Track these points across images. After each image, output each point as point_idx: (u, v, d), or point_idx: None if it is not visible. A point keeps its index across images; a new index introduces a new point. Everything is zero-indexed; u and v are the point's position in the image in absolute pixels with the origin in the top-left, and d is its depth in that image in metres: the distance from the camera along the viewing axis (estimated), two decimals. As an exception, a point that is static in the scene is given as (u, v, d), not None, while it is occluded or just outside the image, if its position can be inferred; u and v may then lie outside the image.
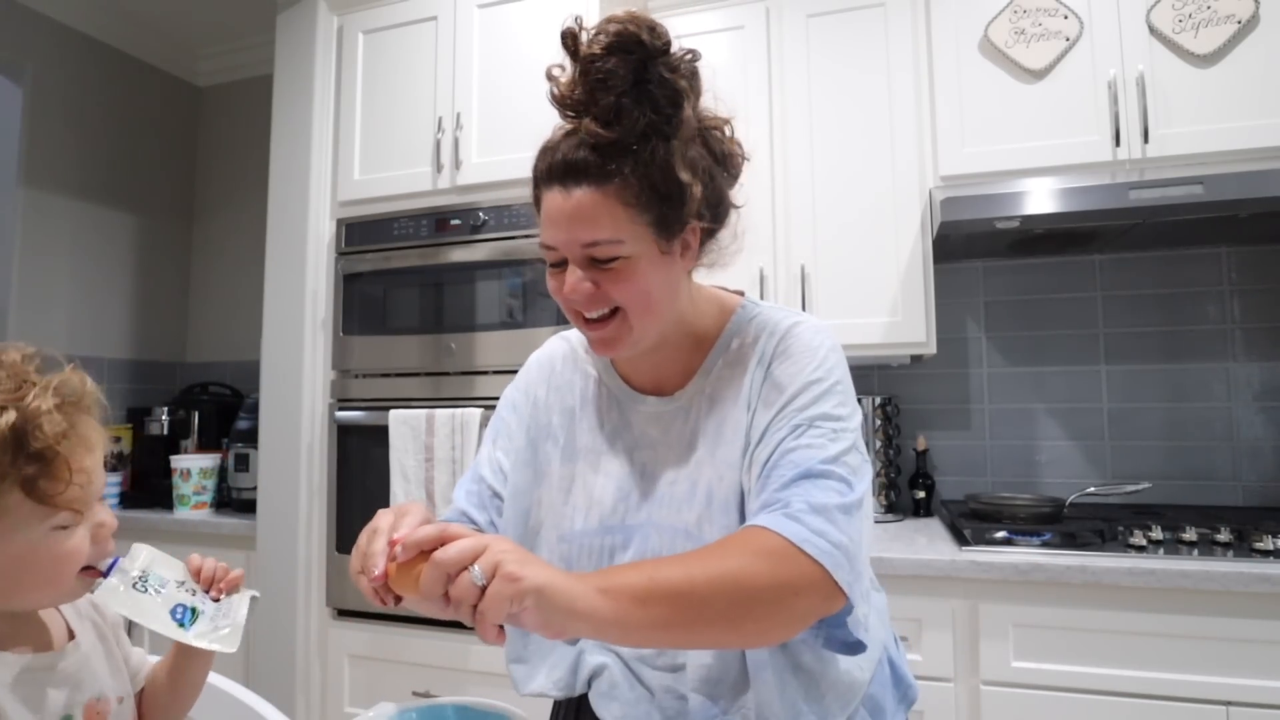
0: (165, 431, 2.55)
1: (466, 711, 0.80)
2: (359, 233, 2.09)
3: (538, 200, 0.79)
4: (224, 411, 2.60)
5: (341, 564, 2.01)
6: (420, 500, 1.87)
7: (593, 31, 0.72)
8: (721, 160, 0.81)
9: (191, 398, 2.65)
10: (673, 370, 0.86)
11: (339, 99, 2.19)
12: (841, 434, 0.75)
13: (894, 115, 1.91)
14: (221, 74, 3.09)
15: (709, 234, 0.83)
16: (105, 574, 0.69)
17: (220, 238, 3.02)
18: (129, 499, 2.49)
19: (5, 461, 0.59)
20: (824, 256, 1.94)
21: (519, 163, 1.93)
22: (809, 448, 0.73)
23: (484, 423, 1.84)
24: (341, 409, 2.05)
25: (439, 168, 2.04)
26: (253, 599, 0.77)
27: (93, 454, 0.66)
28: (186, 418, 2.57)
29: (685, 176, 0.74)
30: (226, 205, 3.02)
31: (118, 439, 2.54)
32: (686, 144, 0.75)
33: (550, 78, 0.77)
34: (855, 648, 0.73)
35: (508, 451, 0.92)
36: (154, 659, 0.83)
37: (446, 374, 1.96)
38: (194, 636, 0.70)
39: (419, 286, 2.02)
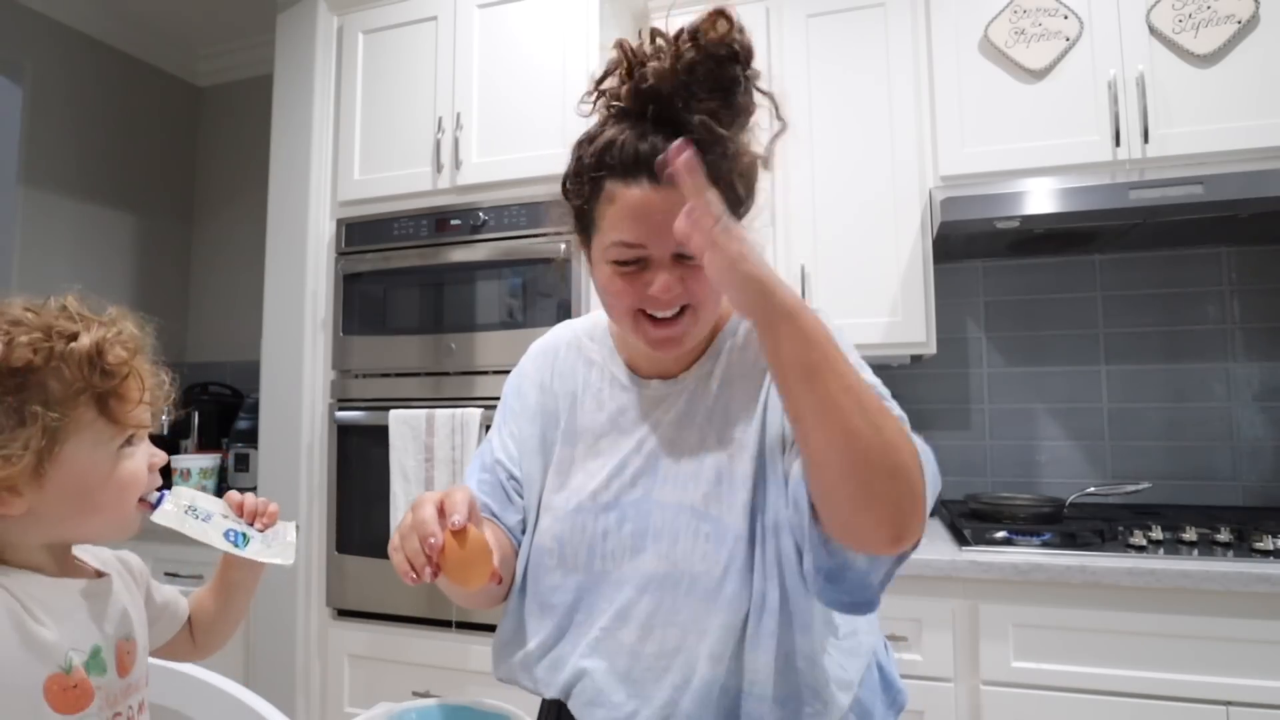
0: (165, 431, 2.55)
1: (466, 711, 0.80)
2: (359, 233, 2.09)
3: (595, 195, 0.77)
4: (224, 411, 2.60)
5: (341, 564, 2.01)
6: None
7: (710, 27, 0.71)
8: (764, 163, 0.83)
9: (191, 398, 2.65)
10: (683, 355, 0.87)
11: (339, 99, 2.19)
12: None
13: (894, 115, 1.91)
14: (221, 74, 3.09)
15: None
16: (155, 505, 0.74)
17: (220, 238, 3.02)
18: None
19: (83, 376, 0.64)
20: (824, 256, 1.94)
21: (519, 163, 1.95)
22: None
23: (484, 423, 1.85)
24: (341, 409, 2.05)
25: (439, 168, 2.04)
26: (296, 528, 0.82)
27: (150, 382, 0.71)
28: (186, 418, 2.57)
29: (742, 184, 0.77)
30: (226, 205, 3.02)
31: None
32: (744, 153, 0.77)
33: (627, 63, 0.76)
34: (862, 607, 0.73)
35: (516, 438, 0.92)
36: (186, 596, 0.88)
37: (446, 374, 1.96)
38: (252, 553, 0.76)
39: (419, 286, 2.02)
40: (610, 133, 0.76)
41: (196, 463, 2.31)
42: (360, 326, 2.07)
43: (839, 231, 1.93)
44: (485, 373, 1.91)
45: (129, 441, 0.70)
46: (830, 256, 1.93)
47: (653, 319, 0.78)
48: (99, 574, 0.74)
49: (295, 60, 2.21)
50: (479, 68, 2.03)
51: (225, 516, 0.79)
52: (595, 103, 0.80)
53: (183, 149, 3.06)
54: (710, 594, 0.77)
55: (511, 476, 0.91)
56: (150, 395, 0.70)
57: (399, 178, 2.08)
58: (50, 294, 0.73)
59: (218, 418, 2.59)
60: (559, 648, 0.83)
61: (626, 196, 0.75)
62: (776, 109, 0.78)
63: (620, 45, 0.77)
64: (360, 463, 2.02)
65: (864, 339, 1.90)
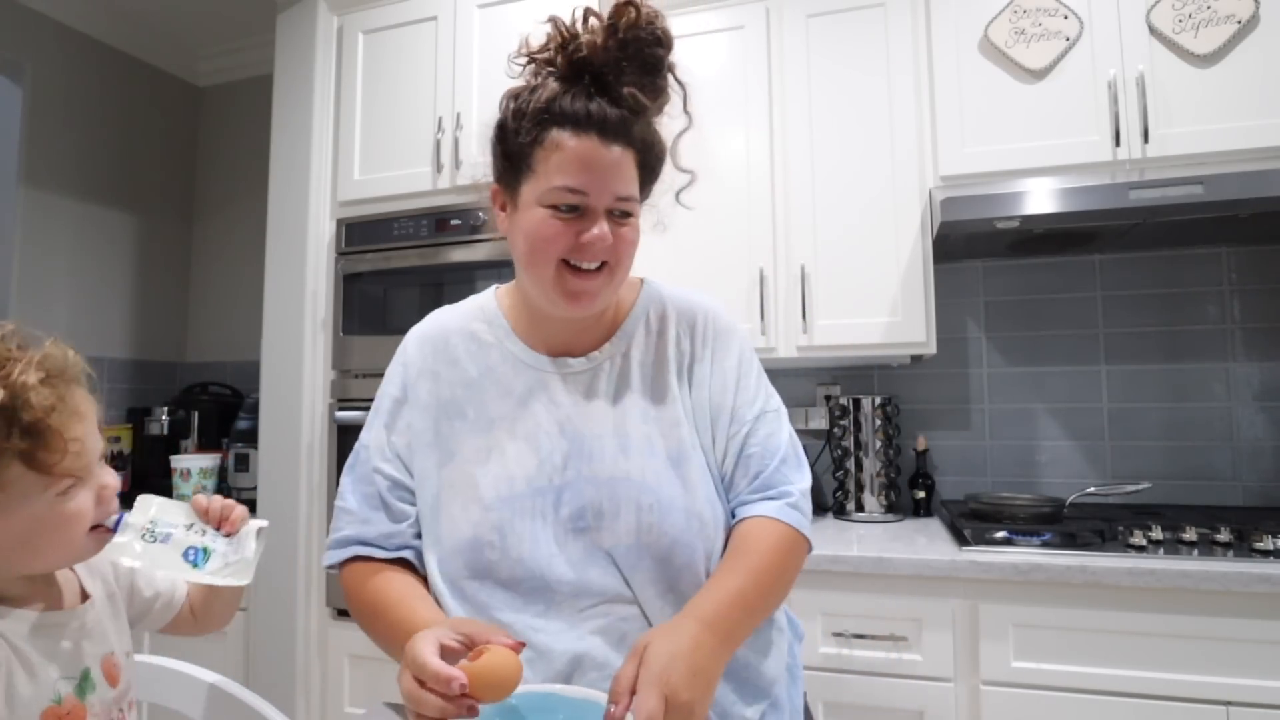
0: (165, 431, 2.55)
1: (553, 698, 0.73)
2: (359, 233, 2.09)
3: (538, 141, 0.81)
4: (224, 411, 2.60)
5: (341, 564, 2.01)
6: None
7: (639, 15, 0.79)
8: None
9: (191, 398, 2.65)
10: (587, 334, 0.90)
11: (339, 99, 2.19)
12: (782, 415, 0.94)
13: (894, 115, 1.91)
14: (221, 74, 3.09)
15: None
16: (113, 530, 0.72)
17: (220, 238, 3.02)
18: (129, 499, 2.49)
19: (1, 438, 0.61)
20: (824, 256, 1.94)
21: (519, 163, 1.95)
22: (773, 435, 0.91)
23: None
24: (341, 409, 2.04)
25: (439, 168, 2.04)
26: (260, 530, 0.80)
27: (84, 422, 0.68)
28: (186, 418, 2.57)
29: (660, 157, 0.87)
30: (226, 205, 3.02)
31: (117, 439, 2.54)
32: (659, 133, 0.86)
33: (577, 26, 0.81)
34: None
35: (408, 431, 0.91)
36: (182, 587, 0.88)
37: (446, 374, 1.96)
38: (209, 575, 0.74)
39: (419, 286, 2.02)
40: (553, 86, 0.81)
41: (196, 463, 2.31)
42: (360, 326, 2.07)
43: (839, 231, 1.93)
44: (485, 373, 1.91)
45: (69, 485, 0.67)
46: (830, 256, 1.93)
47: (575, 270, 0.82)
48: (84, 594, 0.76)
49: (295, 60, 2.21)
50: (479, 68, 2.03)
51: (190, 527, 0.77)
52: (525, 67, 0.85)
53: (183, 149, 3.06)
54: (662, 564, 0.82)
55: (396, 484, 0.89)
56: (76, 445, 0.65)
57: (399, 178, 2.08)
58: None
59: (218, 418, 2.59)
60: (539, 635, 0.80)
61: (575, 145, 0.79)
62: (685, 101, 0.85)
63: (554, 20, 0.82)
64: (360, 463, 2.02)
65: (864, 339, 1.90)
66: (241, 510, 0.80)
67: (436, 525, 0.86)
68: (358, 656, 1.99)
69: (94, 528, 0.71)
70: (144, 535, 0.73)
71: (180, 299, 3.03)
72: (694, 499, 0.85)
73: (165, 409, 2.57)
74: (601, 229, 0.80)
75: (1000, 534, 1.61)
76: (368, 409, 1.98)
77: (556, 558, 0.82)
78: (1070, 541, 1.56)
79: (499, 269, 1.92)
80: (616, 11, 0.78)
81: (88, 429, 0.69)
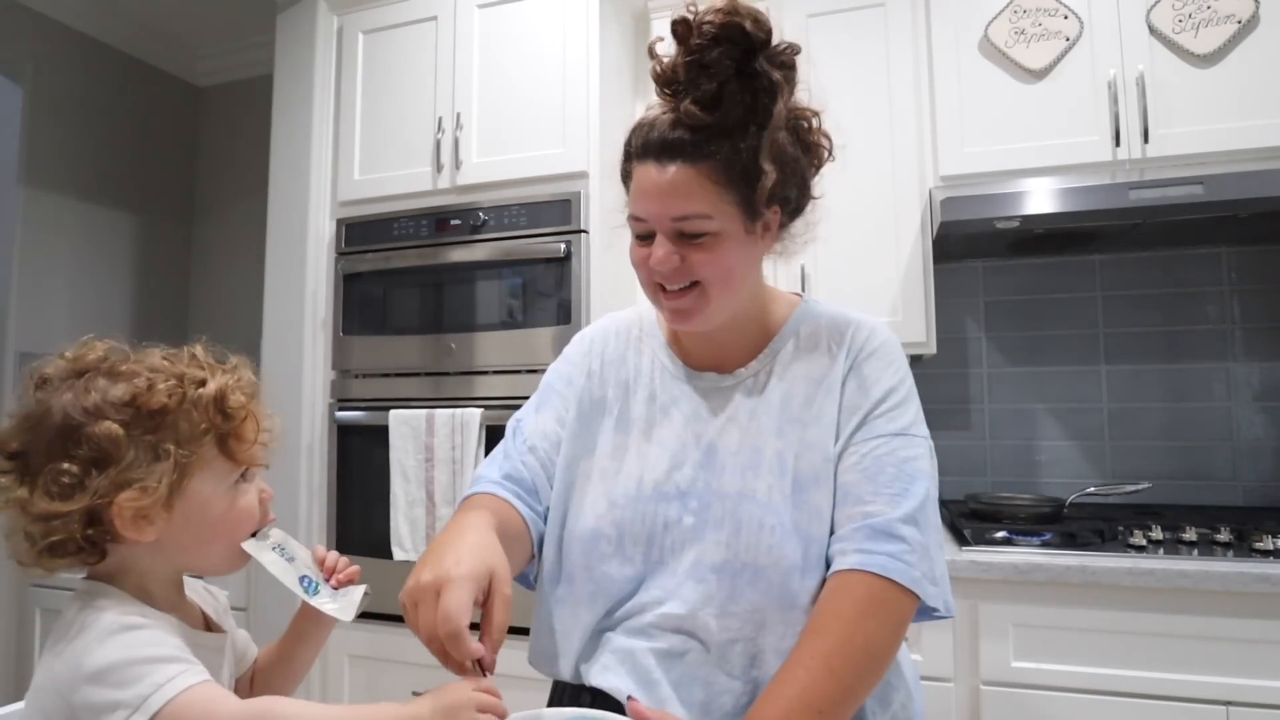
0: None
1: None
2: (359, 233, 2.09)
3: (628, 174, 0.84)
4: (224, 411, 2.60)
5: (341, 564, 2.01)
6: (421, 500, 1.88)
7: (700, 17, 0.75)
8: (807, 150, 0.84)
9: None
10: (736, 350, 0.89)
11: (339, 99, 2.19)
12: (930, 450, 0.85)
13: (894, 115, 1.91)
14: (221, 74, 3.09)
15: (788, 220, 0.86)
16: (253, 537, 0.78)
17: (220, 238, 3.02)
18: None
19: (208, 418, 0.71)
20: (824, 256, 1.93)
21: (519, 163, 1.95)
22: (914, 460, 0.82)
23: (484, 423, 1.85)
24: (341, 409, 2.05)
25: (439, 168, 2.04)
26: (365, 594, 0.83)
27: (268, 422, 0.78)
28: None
29: (769, 164, 0.78)
30: (226, 205, 3.02)
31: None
32: (775, 132, 0.79)
33: (652, 55, 0.80)
34: (926, 613, 0.78)
35: (560, 421, 0.92)
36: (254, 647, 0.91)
37: (446, 374, 1.96)
38: (317, 601, 0.79)
39: (419, 286, 2.02)
40: (643, 118, 0.82)
41: (197, 463, 2.31)
42: (360, 326, 2.07)
43: (839, 231, 1.93)
44: (485, 373, 1.91)
45: (243, 477, 0.76)
46: (830, 256, 1.93)
47: (666, 290, 0.82)
48: (206, 621, 0.79)
49: (295, 60, 2.21)
50: (479, 68, 2.03)
51: (307, 565, 0.82)
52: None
53: (183, 149, 3.06)
54: (776, 589, 0.78)
55: (543, 465, 0.91)
56: (264, 436, 0.76)
57: (399, 178, 2.08)
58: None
59: (218, 418, 2.59)
60: (613, 634, 0.82)
61: (639, 173, 0.81)
62: (785, 81, 0.81)
63: (650, 45, 0.81)
64: (360, 463, 2.02)
65: (864, 339, 1.90)
66: (354, 570, 0.84)
67: (564, 511, 0.88)
68: (358, 656, 1.99)
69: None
70: (275, 548, 0.79)
71: (180, 299, 3.03)
72: (815, 526, 0.80)
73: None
74: (659, 252, 0.79)
75: (1000, 534, 1.61)
76: (368, 409, 2.00)
77: (663, 565, 0.82)
78: (1070, 541, 1.56)
79: (499, 269, 1.92)
80: (673, 28, 0.77)
81: (266, 432, 0.77)
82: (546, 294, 1.88)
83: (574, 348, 0.98)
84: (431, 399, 1.95)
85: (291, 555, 0.80)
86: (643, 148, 0.80)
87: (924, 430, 0.85)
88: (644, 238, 0.82)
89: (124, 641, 0.63)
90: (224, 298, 2.97)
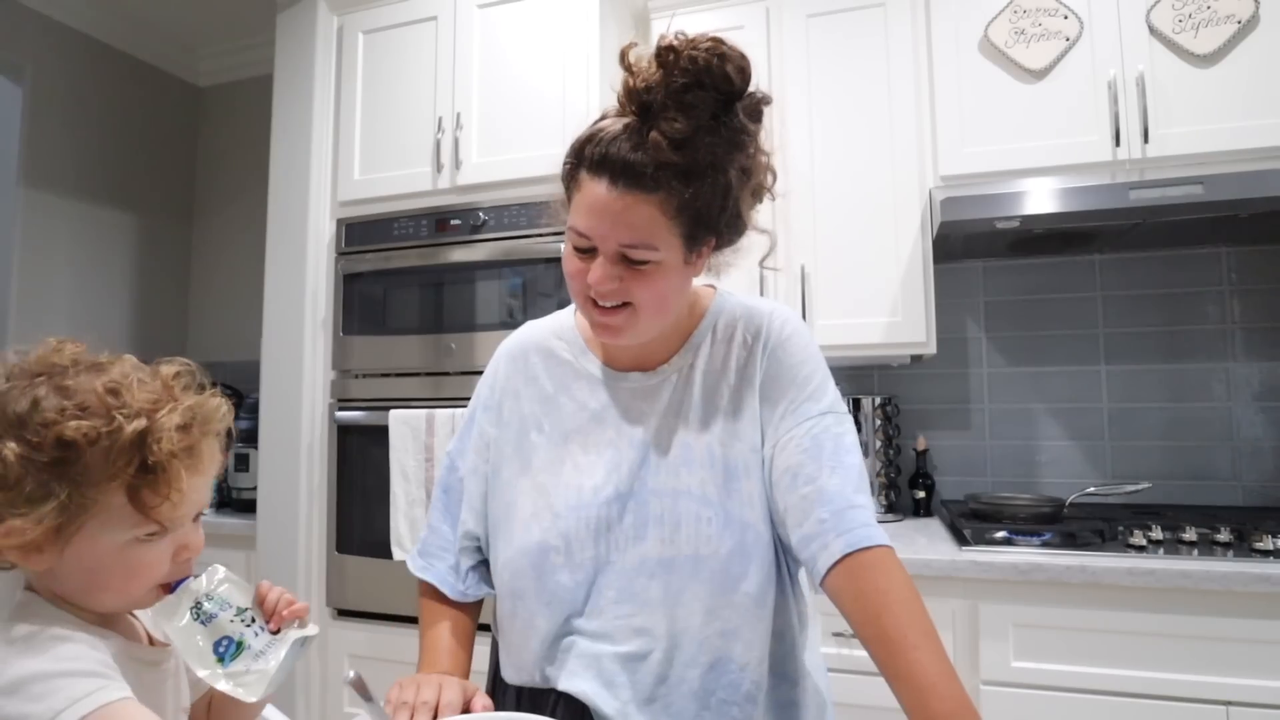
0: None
1: None
2: (359, 233, 2.09)
3: (572, 179, 0.81)
4: (224, 411, 2.60)
5: (341, 564, 2.01)
6: (421, 500, 1.88)
7: (684, 50, 0.73)
8: (755, 193, 0.84)
9: (191, 398, 2.65)
10: (656, 347, 0.90)
11: (339, 99, 2.19)
12: (845, 417, 0.88)
13: (894, 115, 1.91)
14: (221, 74, 3.09)
15: (722, 248, 0.87)
16: (172, 590, 0.70)
17: (220, 238, 3.02)
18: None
19: (121, 464, 0.64)
20: (824, 256, 1.94)
21: (519, 163, 1.95)
22: (845, 436, 0.86)
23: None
24: (341, 409, 2.05)
25: (439, 168, 2.04)
26: (305, 639, 0.76)
27: (200, 477, 0.70)
28: (186, 418, 2.57)
29: (719, 208, 0.79)
30: (226, 205, 3.02)
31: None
32: (732, 179, 0.78)
33: (625, 64, 0.77)
34: None
35: (490, 445, 0.95)
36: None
37: (446, 374, 1.96)
38: (218, 675, 0.69)
39: (419, 286, 2.02)
40: (600, 125, 0.80)
41: (196, 463, 2.31)
42: (360, 326, 2.07)
43: (839, 231, 1.93)
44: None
45: (162, 528, 0.68)
46: (830, 256, 1.93)
47: (597, 305, 0.82)
48: (150, 637, 0.74)
49: (295, 60, 2.21)
50: (479, 68, 2.03)
51: (240, 614, 0.73)
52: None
53: (183, 149, 3.06)
54: (718, 576, 0.82)
55: (482, 496, 0.95)
56: (179, 496, 0.67)
57: (399, 178, 2.08)
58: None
59: (218, 418, 2.59)
60: (576, 639, 0.85)
61: (589, 189, 0.78)
62: (754, 132, 0.79)
63: (623, 53, 0.78)
64: (360, 463, 2.02)
65: (864, 339, 1.90)
66: (297, 609, 0.76)
67: (509, 528, 0.90)
68: (358, 656, 1.99)
69: (159, 585, 0.70)
70: (194, 607, 0.70)
71: (180, 299, 3.03)
72: (748, 512, 0.84)
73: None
74: (599, 273, 0.79)
75: (1000, 534, 1.61)
76: (368, 409, 2.00)
77: (610, 565, 0.85)
78: (1070, 541, 1.56)
79: (499, 269, 1.92)
80: (659, 51, 0.74)
81: (199, 485, 0.70)
82: (546, 294, 1.88)
83: (500, 365, 0.98)
84: (431, 399, 1.95)
85: (213, 612, 0.71)
86: (599, 162, 0.77)
87: (843, 405, 0.89)
88: (584, 251, 0.80)
89: (43, 654, 0.60)
90: (224, 298, 2.97)
